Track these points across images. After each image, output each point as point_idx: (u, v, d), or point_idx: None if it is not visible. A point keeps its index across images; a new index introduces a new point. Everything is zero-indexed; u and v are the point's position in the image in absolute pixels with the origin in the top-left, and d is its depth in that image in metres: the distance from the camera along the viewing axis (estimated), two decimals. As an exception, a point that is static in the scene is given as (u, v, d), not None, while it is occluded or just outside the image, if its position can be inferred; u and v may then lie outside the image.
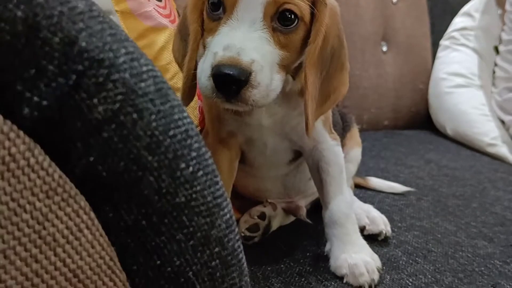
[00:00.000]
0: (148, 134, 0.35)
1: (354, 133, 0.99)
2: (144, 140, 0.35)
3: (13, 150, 0.31)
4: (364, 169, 1.16)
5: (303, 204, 0.91)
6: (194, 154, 0.38)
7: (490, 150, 1.42)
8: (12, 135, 0.31)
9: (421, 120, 1.82)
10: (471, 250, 0.83)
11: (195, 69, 0.64)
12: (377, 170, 1.18)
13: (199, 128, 0.83)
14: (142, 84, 0.35)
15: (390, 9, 1.81)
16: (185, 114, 0.39)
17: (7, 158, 0.30)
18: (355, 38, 1.70)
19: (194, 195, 0.38)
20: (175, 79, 0.78)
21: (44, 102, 0.32)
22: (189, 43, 0.65)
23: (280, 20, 0.61)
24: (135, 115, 0.35)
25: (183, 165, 0.37)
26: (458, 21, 1.78)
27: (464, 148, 1.48)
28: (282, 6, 0.61)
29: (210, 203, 0.39)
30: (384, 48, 1.78)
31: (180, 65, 0.69)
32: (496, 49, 1.62)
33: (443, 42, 1.79)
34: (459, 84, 1.62)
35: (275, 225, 0.87)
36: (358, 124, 1.71)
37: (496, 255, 0.83)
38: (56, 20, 0.32)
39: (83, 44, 0.33)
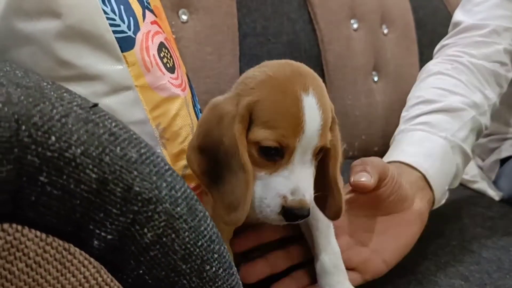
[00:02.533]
0: (182, 248, 0.46)
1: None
2: (180, 253, 0.46)
3: (87, 273, 0.41)
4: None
5: None
6: (216, 255, 0.49)
7: (471, 185, 1.53)
8: (85, 262, 0.41)
9: (409, 145, 1.91)
10: (448, 291, 0.94)
11: None
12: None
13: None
14: (178, 209, 0.46)
15: (381, 41, 1.91)
16: (208, 222, 0.50)
17: (82, 280, 0.41)
18: (348, 70, 1.80)
19: (216, 290, 0.49)
20: (186, 141, 0.88)
21: (109, 236, 0.43)
22: (240, 181, 0.69)
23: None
24: (173, 235, 0.46)
25: (208, 267, 0.48)
26: None
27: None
28: (323, 146, 0.72)
29: (229, 294, 0.50)
30: (375, 78, 1.88)
31: (199, 176, 0.76)
32: None
33: None
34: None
35: None
36: (350, 151, 1.82)
37: (470, 294, 0.94)
38: (118, 173, 0.43)
39: (137, 188, 0.44)
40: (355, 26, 1.85)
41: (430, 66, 1.35)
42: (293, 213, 0.67)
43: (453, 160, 1.10)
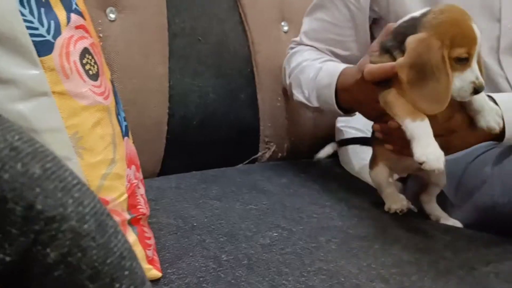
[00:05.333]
0: (90, 267, 0.44)
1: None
2: (87, 272, 0.44)
3: (-16, 297, 0.39)
4: (281, 208, 1.28)
5: None
6: (126, 273, 0.47)
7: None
8: (-18, 285, 0.39)
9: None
10: (368, 293, 0.96)
11: None
12: (292, 210, 1.29)
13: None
14: (85, 226, 0.44)
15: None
16: (119, 238, 0.48)
17: (-21, 304, 0.39)
18: (277, 71, 1.81)
19: (126, 308, 0.47)
20: (106, 151, 0.86)
21: (8, 258, 0.41)
22: (443, 83, 1.10)
23: None
24: (79, 254, 0.44)
25: (117, 285, 0.46)
26: None
27: (372, 187, 1.62)
28: None
29: (139, 311, 0.48)
30: (306, 81, 1.90)
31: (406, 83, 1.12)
32: None
33: None
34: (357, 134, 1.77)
35: None
36: (279, 153, 1.83)
37: (390, 297, 0.96)
38: (18, 191, 0.40)
39: (39, 207, 0.41)
40: (285, 28, 1.87)
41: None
42: (478, 90, 1.12)
43: None
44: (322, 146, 1.93)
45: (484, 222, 1.34)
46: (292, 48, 1.69)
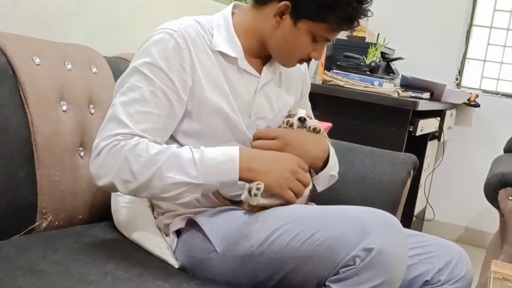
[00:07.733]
0: None
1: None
2: None
3: None
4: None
5: None
6: None
7: (158, 253, 1.86)
8: None
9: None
10: None
11: None
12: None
13: None
14: None
15: (88, 120, 2.15)
16: None
17: None
18: (56, 149, 2.00)
19: None
20: None
21: None
22: None
23: None
24: None
25: None
26: None
27: (142, 252, 1.88)
28: None
29: None
30: (82, 153, 2.12)
31: None
32: None
33: None
34: (132, 201, 2.05)
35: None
36: (56, 221, 2.02)
37: None
38: None
39: None
40: (64, 108, 2.07)
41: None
42: None
43: None
44: (98, 212, 2.16)
45: (242, 268, 1.69)
46: (122, 139, 1.71)
